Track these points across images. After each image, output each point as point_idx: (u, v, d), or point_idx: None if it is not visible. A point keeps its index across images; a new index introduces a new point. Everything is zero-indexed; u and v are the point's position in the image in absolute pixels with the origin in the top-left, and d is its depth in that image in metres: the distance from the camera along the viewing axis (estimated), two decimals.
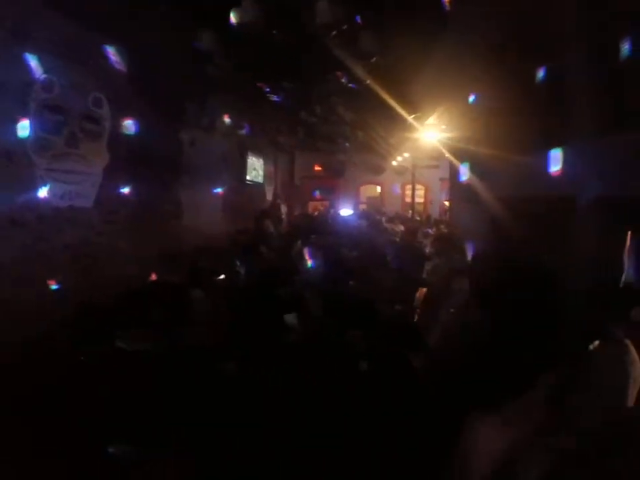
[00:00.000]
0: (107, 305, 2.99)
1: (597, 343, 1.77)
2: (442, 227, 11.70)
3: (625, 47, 2.61)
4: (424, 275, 4.62)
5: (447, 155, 7.18)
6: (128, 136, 4.63)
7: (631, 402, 1.85)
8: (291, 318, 2.82)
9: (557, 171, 3.93)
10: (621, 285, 2.89)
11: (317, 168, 14.47)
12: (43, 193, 3.60)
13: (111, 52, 4.15)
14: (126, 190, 4.97)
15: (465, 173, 6.26)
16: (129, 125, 4.57)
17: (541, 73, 4.05)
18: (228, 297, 3.65)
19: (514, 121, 4.51)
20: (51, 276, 3.75)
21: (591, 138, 3.27)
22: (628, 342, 1.85)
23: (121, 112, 4.48)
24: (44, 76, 3.57)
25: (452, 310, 2.54)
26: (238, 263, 5.14)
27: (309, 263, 6.54)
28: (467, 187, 6.05)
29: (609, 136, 2.96)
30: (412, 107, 7.32)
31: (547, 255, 3.81)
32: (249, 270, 5.09)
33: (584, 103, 3.33)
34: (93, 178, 4.29)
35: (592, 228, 3.24)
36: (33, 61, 3.42)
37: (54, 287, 3.81)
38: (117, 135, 4.46)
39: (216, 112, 6.69)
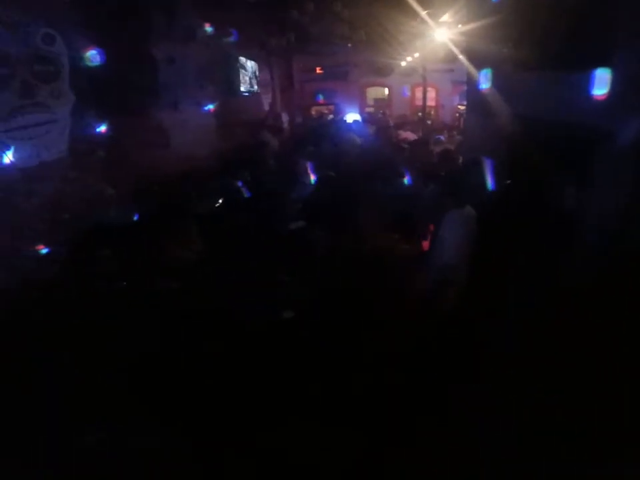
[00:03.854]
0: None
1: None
2: (454, 133, 10.91)
3: None
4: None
5: (463, 59, 6.28)
6: (92, 68, 3.94)
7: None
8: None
9: (601, 95, 3.30)
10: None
11: (319, 71, 13.23)
12: (7, 158, 3.12)
13: None
14: (101, 128, 4.43)
15: (485, 81, 5.51)
16: (91, 55, 3.85)
17: None
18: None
19: (552, 28, 3.73)
20: (32, 243, 3.45)
21: None
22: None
23: (78, 43, 3.74)
24: None
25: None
26: (233, 186, 4.77)
27: (312, 179, 6.07)
28: (485, 98, 5.37)
29: None
30: (425, 1, 6.26)
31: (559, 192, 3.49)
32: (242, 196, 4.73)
33: None
34: (60, 125, 3.74)
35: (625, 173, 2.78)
36: None
37: (42, 251, 3.54)
38: (79, 70, 3.78)
39: (194, 22, 5.72)
